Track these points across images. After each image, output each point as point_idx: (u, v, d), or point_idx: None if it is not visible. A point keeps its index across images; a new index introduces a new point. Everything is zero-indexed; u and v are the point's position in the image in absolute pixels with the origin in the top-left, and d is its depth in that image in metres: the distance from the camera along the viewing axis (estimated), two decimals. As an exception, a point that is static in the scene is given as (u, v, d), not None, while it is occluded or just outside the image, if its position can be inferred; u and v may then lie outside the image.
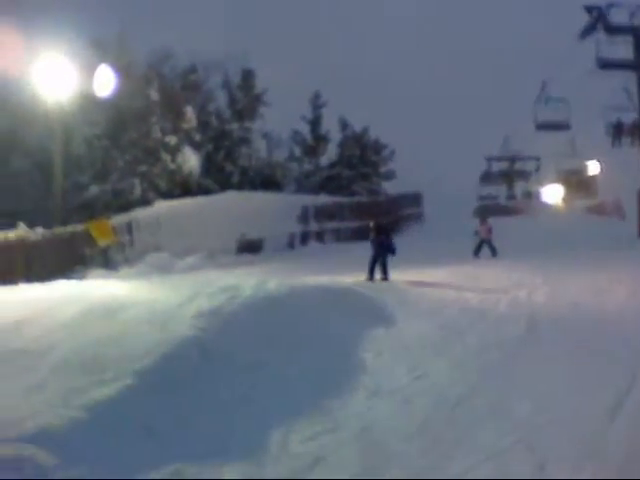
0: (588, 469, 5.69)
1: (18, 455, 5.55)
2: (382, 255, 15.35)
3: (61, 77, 18.43)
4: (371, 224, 16.70)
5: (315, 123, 36.61)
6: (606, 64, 25.89)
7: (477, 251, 20.21)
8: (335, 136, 36.91)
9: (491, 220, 21.81)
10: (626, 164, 29.10)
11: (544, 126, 37.88)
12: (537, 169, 52.81)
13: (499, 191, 54.94)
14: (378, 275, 15.25)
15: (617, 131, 30.11)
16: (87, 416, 6.30)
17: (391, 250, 15.50)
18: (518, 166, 54.63)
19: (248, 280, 12.41)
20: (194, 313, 9.27)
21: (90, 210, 23.71)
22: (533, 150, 49.98)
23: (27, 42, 19.52)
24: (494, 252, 20.09)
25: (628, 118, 28.56)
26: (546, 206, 48.67)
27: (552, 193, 50.48)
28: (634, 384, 7.70)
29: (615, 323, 10.63)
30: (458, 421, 6.91)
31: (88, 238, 17.78)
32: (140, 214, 20.68)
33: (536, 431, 6.51)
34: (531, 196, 52.60)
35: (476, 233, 20.76)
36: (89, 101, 23.25)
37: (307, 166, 36.50)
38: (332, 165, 36.42)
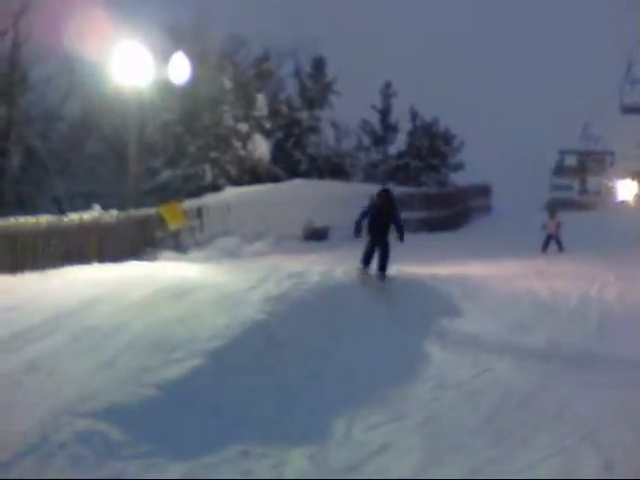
0: None
1: (90, 430, 5.74)
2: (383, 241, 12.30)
3: (138, 64, 18.79)
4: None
5: (385, 113, 36.39)
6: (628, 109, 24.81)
7: (545, 246, 19.59)
8: (404, 126, 36.64)
9: (561, 215, 21.12)
10: None
11: (631, 109, 35.03)
12: (612, 164, 51.31)
13: (572, 185, 53.63)
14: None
15: None
16: (157, 394, 6.48)
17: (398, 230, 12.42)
18: (592, 160, 53.16)
19: (314, 267, 12.47)
20: (261, 298, 9.38)
21: (162, 194, 24.11)
22: (614, 136, 47.86)
23: (105, 29, 20.00)
24: (561, 247, 19.52)
25: None
26: (620, 202, 47.34)
27: (626, 189, 49.01)
28: None
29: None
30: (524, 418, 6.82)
31: (160, 221, 18.10)
32: (210, 199, 20.95)
33: (604, 429, 6.39)
34: (605, 191, 51.19)
35: (544, 227, 20.00)
36: (164, 88, 23.66)
37: (375, 156, 36.34)
38: (401, 155, 36.17)
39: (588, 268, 15.28)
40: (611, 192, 50.03)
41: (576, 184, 53.92)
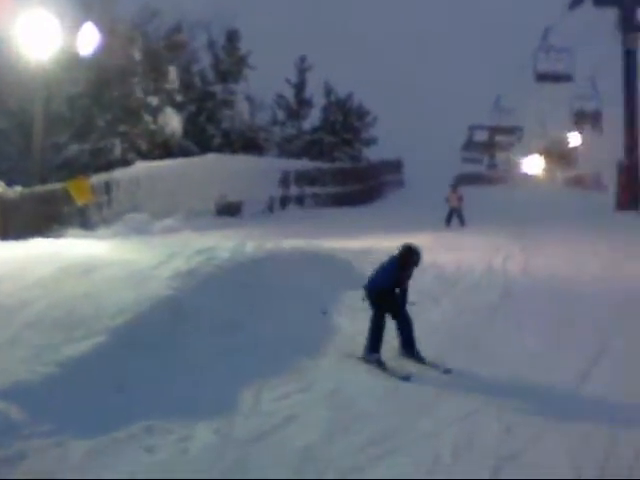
0: (552, 433, 5.83)
1: (-11, 409, 5.58)
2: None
3: (44, 34, 18.08)
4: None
5: (299, 87, 36.39)
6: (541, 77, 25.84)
7: (448, 220, 19.96)
8: (319, 101, 36.73)
9: (470, 188, 21.76)
10: (606, 137, 29.28)
11: (545, 76, 35.19)
12: (519, 139, 52.91)
13: (481, 160, 55.04)
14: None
15: (579, 119, 29.72)
16: (59, 372, 6.34)
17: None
18: (501, 136, 54.63)
19: (226, 243, 12.40)
20: (170, 274, 9.25)
21: (69, 169, 23.44)
22: (525, 110, 48.88)
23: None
24: (462, 221, 19.88)
25: (590, 107, 28.10)
26: (527, 176, 48.93)
27: (533, 164, 50.66)
28: (601, 354, 7.85)
29: (586, 294, 10.79)
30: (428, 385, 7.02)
31: (66, 197, 17.60)
32: (119, 174, 20.43)
33: (503, 395, 6.64)
34: (512, 166, 52.77)
35: (446, 200, 20.52)
36: (72, 59, 22.88)
37: (290, 130, 36.31)
38: (315, 130, 36.28)
39: (494, 240, 15.78)
40: (518, 167, 51.65)
41: (485, 159, 55.39)
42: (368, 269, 11.87)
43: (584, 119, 37.71)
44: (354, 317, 9.38)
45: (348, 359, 7.80)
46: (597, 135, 36.40)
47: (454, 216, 19.96)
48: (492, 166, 54.34)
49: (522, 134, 52.70)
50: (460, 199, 20.21)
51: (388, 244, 14.59)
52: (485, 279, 11.85)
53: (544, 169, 49.48)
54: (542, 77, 34.79)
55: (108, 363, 6.66)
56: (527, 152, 51.47)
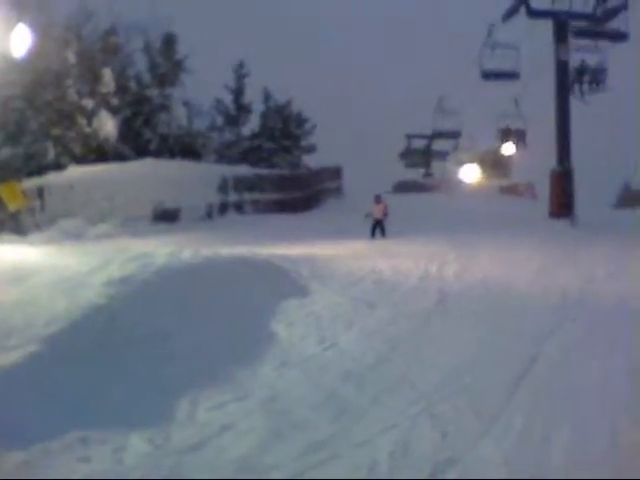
0: (490, 436, 5.92)
1: None
2: None
3: (-25, 35, 17.59)
4: None
5: (238, 93, 36.20)
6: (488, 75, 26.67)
7: (373, 232, 19.40)
8: (258, 107, 36.65)
9: (405, 196, 22.02)
10: (537, 145, 30.02)
11: (491, 74, 33.53)
12: (456, 147, 53.74)
13: (418, 168, 55.73)
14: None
15: (505, 135, 30.53)
16: (-11, 382, 6.17)
17: None
18: (437, 145, 55.41)
19: (163, 249, 12.27)
20: (104, 281, 9.11)
21: (1, 173, 22.84)
22: (472, 106, 49.01)
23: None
24: (383, 232, 19.41)
25: (592, 61, 27.59)
26: (462, 184, 49.78)
27: (468, 172, 51.59)
28: (537, 358, 8.01)
29: (520, 298, 11.04)
30: (366, 390, 7.06)
31: (-2, 202, 17.21)
32: (52, 179, 20.06)
33: (440, 401, 6.72)
34: (448, 174, 53.60)
35: (367, 215, 19.94)
36: (5, 61, 22.32)
37: (228, 136, 36.10)
38: (254, 136, 36.15)
39: (430, 247, 16.01)
40: (455, 175, 52.50)
41: (421, 167, 56.13)
42: (306, 277, 12.04)
43: (509, 136, 38.99)
44: (291, 324, 9.41)
45: (285, 367, 7.80)
46: (522, 150, 37.98)
47: (378, 227, 19.58)
48: (428, 174, 55.12)
49: (458, 143, 53.46)
50: (385, 210, 19.81)
51: (327, 252, 14.81)
52: (421, 285, 12.00)
53: (479, 177, 50.45)
54: (488, 75, 33.41)
55: (42, 372, 6.51)
56: (463, 160, 52.32)
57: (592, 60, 26.64)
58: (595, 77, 26.71)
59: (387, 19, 79.57)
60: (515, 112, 37.26)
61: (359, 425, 6.19)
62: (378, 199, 20.16)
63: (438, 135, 54.04)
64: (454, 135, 38.39)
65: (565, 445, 5.73)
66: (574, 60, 26.52)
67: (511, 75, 33.87)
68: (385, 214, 19.61)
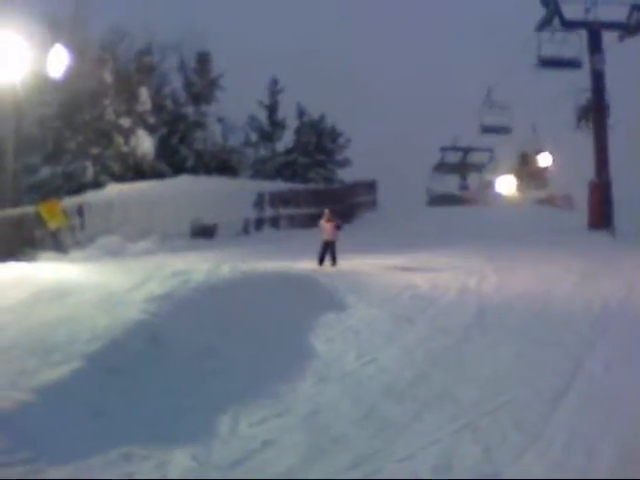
0: (531, 452, 5.86)
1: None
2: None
3: (14, 56, 18.00)
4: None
5: (272, 109, 36.48)
6: (545, 62, 26.44)
7: (322, 256, 15.50)
8: (292, 123, 36.87)
9: (437, 210, 21.20)
10: (577, 156, 29.70)
11: (488, 129, 40.16)
12: (490, 160, 53.42)
13: (453, 181, 55.46)
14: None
15: (585, 113, 30.09)
16: (36, 398, 6.26)
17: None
18: (472, 157, 55.13)
19: (201, 265, 12.36)
20: (144, 297, 9.21)
21: (41, 192, 23.28)
22: (486, 143, 50.38)
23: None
24: (334, 258, 15.51)
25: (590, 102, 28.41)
26: (498, 197, 49.38)
27: (505, 184, 51.19)
28: (576, 372, 7.92)
29: (560, 312, 10.90)
30: (406, 406, 7.02)
31: (38, 220, 17.48)
32: (92, 197, 20.34)
33: (481, 416, 6.66)
34: (484, 186, 53.21)
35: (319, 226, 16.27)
36: (42, 81, 22.79)
37: (263, 152, 36.37)
38: (288, 152, 36.36)
39: (468, 260, 15.87)
40: (491, 187, 52.11)
41: (456, 180, 55.85)
42: (343, 291, 12.03)
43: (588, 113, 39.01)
44: (330, 340, 9.40)
45: (325, 382, 7.79)
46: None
47: (328, 251, 15.55)
48: (464, 187, 54.78)
49: (493, 155, 53.19)
50: (336, 230, 15.83)
51: (362, 266, 14.78)
52: (459, 299, 11.90)
53: (515, 189, 50.04)
54: (487, 129, 40.03)
55: (84, 389, 6.60)
56: (498, 173, 52.00)
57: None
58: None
59: (420, 33, 79.58)
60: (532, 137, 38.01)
61: (400, 440, 6.17)
62: (328, 215, 16.17)
63: (473, 149, 53.78)
64: (504, 131, 38.65)
65: (608, 460, 5.65)
66: (579, 98, 27.63)
67: (505, 130, 39.05)
68: (336, 233, 15.81)
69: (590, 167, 25.95)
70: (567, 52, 27.15)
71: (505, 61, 31.96)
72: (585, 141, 27.15)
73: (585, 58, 26.38)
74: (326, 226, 15.89)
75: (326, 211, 16.46)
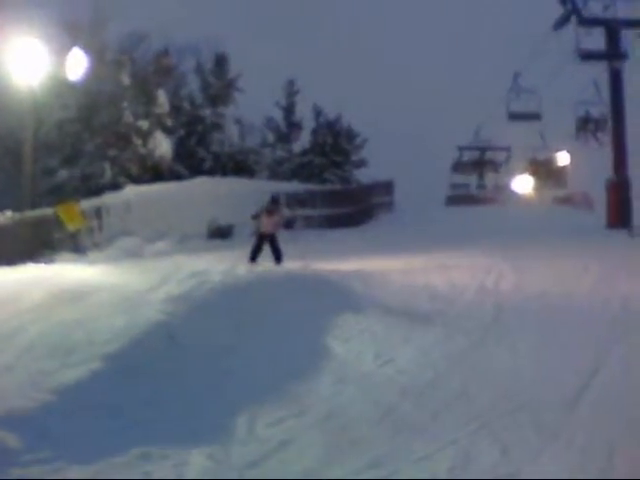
0: (548, 452, 5.82)
1: (-15, 438, 5.54)
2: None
3: (33, 60, 18.16)
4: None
5: (289, 110, 36.56)
6: (585, 55, 26.20)
7: (255, 252, 14.36)
8: (308, 124, 36.91)
9: (454, 209, 20.94)
10: (595, 155, 29.58)
11: (516, 116, 38.70)
12: (507, 159, 53.25)
13: (470, 180, 55.34)
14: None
15: (583, 124, 30.77)
16: (55, 399, 6.32)
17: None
18: (489, 156, 54.98)
19: (218, 266, 12.40)
20: (163, 298, 9.27)
21: (59, 194, 23.46)
22: (504, 139, 50.34)
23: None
24: (279, 256, 14.40)
25: (596, 112, 29.45)
26: (516, 196, 49.17)
27: (522, 183, 50.96)
28: (597, 372, 7.85)
29: (579, 312, 10.81)
30: (424, 407, 7.00)
31: (57, 222, 17.63)
32: (110, 199, 20.50)
33: (499, 417, 6.63)
34: (501, 186, 53.03)
35: (254, 234, 14.95)
36: (61, 84, 23.00)
37: (280, 153, 36.42)
38: (305, 152, 36.39)
39: (485, 260, 15.79)
40: (507, 186, 51.92)
41: (474, 179, 55.72)
42: (360, 292, 12.01)
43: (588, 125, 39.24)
44: (348, 340, 9.39)
45: (342, 383, 7.79)
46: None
47: (264, 246, 14.43)
48: (481, 186, 54.62)
49: (510, 154, 53.04)
50: (277, 224, 14.78)
51: (379, 266, 14.74)
52: (477, 299, 11.85)
53: (533, 188, 49.80)
54: (514, 116, 38.80)
55: (104, 389, 6.64)
56: (515, 172, 51.82)
57: (596, 111, 29.84)
58: (598, 127, 29.63)
59: (435, 33, 79.43)
60: (596, 98, 36.49)
61: (418, 441, 6.14)
62: (270, 209, 14.72)
63: (490, 148, 53.64)
64: (534, 117, 37.94)
65: (626, 461, 5.60)
66: (578, 110, 29.90)
67: (534, 117, 38.42)
68: (277, 226, 14.72)
69: (609, 166, 25.78)
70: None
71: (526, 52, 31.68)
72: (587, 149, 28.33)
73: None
74: (267, 220, 14.41)
75: (273, 197, 15.11)
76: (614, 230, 23.62)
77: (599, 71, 26.68)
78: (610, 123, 26.80)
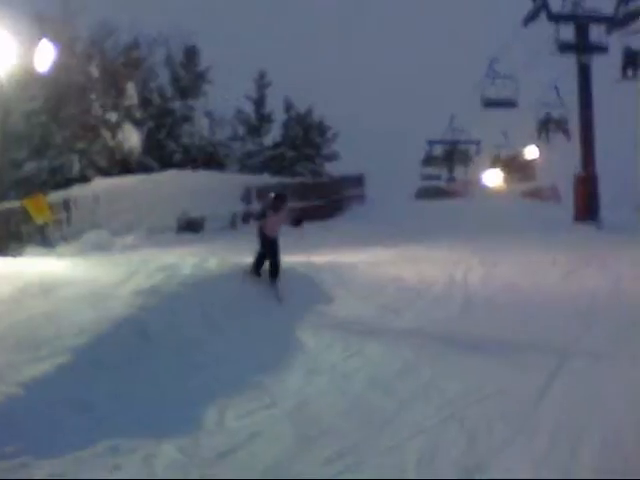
0: (517, 442, 5.91)
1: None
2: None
3: (1, 51, 17.90)
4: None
5: (259, 103, 36.43)
6: (564, 47, 26.31)
7: (259, 264, 11.70)
8: (279, 117, 36.83)
9: (423, 203, 21.28)
10: (563, 149, 29.95)
11: (490, 103, 37.38)
12: (477, 153, 53.69)
13: (440, 174, 55.69)
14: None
15: (544, 126, 31.95)
16: (22, 393, 6.27)
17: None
18: (459, 150, 55.37)
19: (188, 259, 12.37)
20: (131, 291, 9.23)
21: (27, 187, 23.19)
22: (477, 129, 50.49)
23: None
24: (276, 272, 11.54)
25: (556, 114, 31.02)
26: (485, 189, 49.62)
27: (491, 177, 51.42)
28: (561, 366, 7.95)
29: (547, 305, 10.96)
30: (392, 397, 7.07)
31: (24, 215, 17.43)
32: (78, 191, 20.31)
33: (466, 407, 6.72)
34: (471, 179, 53.45)
35: (259, 236, 11.87)
36: (29, 76, 22.69)
37: (250, 146, 36.29)
38: (276, 145, 36.31)
39: (454, 253, 15.90)
40: (477, 180, 52.37)
41: (444, 173, 56.07)
42: (330, 284, 12.07)
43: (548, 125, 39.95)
44: (317, 332, 9.44)
45: (312, 374, 7.83)
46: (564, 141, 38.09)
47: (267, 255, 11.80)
48: (451, 180, 54.99)
49: (480, 148, 53.51)
50: (276, 225, 11.98)
51: (350, 259, 14.81)
52: (446, 292, 11.96)
53: (502, 182, 50.27)
54: (489, 103, 37.58)
55: (72, 383, 6.61)
56: (485, 165, 52.31)
57: (556, 112, 34.29)
58: (559, 126, 33.92)
59: (409, 26, 79.65)
60: (557, 100, 36.63)
61: (386, 431, 6.21)
62: (276, 203, 11.94)
63: (459, 142, 54.01)
64: (509, 104, 36.42)
65: (591, 452, 5.71)
66: (539, 112, 34.05)
67: (510, 104, 36.92)
68: (277, 226, 11.98)
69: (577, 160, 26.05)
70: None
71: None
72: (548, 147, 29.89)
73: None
74: (272, 218, 11.79)
75: (277, 195, 12.16)
76: (582, 223, 23.89)
77: (564, 69, 27.00)
78: (569, 122, 27.68)
